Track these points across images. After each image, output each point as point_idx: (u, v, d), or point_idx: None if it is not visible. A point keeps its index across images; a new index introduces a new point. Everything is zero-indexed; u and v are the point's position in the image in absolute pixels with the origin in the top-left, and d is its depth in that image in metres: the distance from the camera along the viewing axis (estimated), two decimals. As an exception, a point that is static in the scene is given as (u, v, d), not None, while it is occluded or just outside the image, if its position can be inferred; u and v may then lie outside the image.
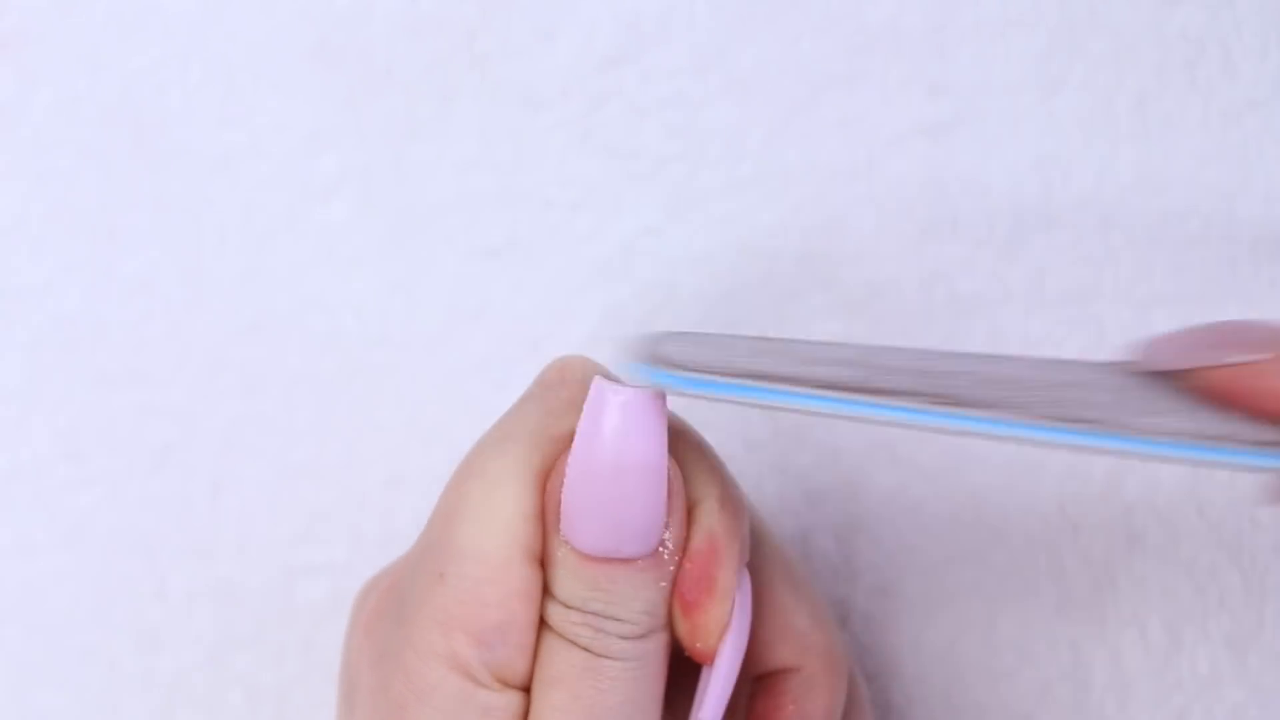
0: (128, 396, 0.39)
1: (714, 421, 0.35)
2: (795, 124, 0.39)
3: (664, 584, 0.28)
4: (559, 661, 0.28)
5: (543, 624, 0.28)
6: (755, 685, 0.31)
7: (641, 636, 0.28)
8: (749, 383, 0.27)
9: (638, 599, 0.28)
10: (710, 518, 0.29)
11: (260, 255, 0.39)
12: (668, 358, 0.27)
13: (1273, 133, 0.38)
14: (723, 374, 0.27)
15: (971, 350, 0.28)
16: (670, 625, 0.29)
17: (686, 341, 0.28)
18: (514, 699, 0.28)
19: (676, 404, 0.29)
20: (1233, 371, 0.27)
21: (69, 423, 0.40)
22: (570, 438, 0.28)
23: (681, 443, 0.30)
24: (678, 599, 0.29)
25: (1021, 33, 0.38)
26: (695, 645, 0.29)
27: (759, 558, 0.31)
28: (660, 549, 0.28)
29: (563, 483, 0.28)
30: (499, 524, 0.28)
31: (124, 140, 0.40)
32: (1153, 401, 0.28)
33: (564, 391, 0.29)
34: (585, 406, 0.28)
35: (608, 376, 0.29)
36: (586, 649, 0.28)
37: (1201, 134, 0.38)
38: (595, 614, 0.28)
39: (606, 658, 0.28)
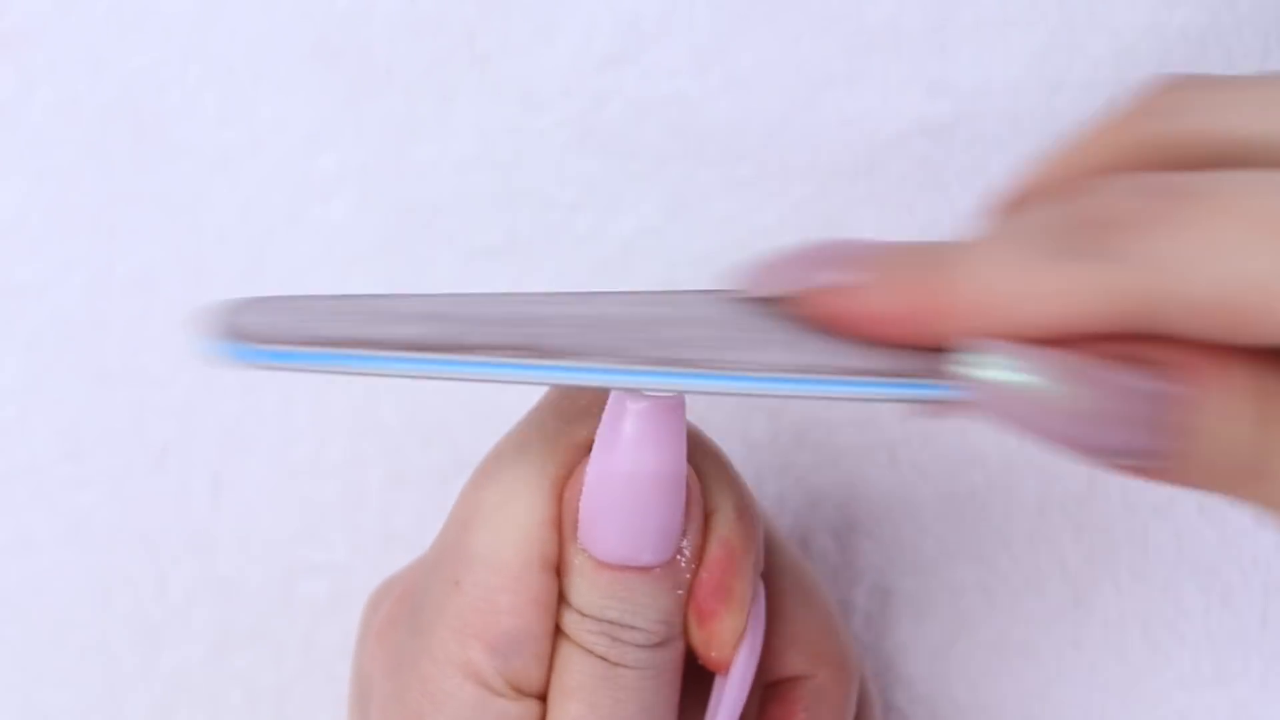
0: (127, 395, 0.39)
1: (714, 422, 0.35)
2: (795, 124, 0.39)
3: (681, 592, 0.28)
4: (575, 670, 0.28)
5: (559, 633, 0.28)
6: (766, 692, 0.31)
7: (658, 645, 0.28)
8: (330, 350, 0.25)
9: (654, 607, 0.28)
10: (726, 526, 0.29)
11: (260, 255, 0.39)
12: (244, 330, 0.25)
13: (1273, 133, 0.38)
14: (302, 343, 0.25)
15: (578, 290, 0.27)
16: (685, 634, 0.29)
17: (264, 309, 0.26)
18: (530, 708, 0.28)
19: (694, 410, 0.28)
20: (834, 295, 0.25)
21: (69, 421, 0.40)
22: (587, 445, 0.28)
23: (698, 451, 0.29)
24: (693, 608, 0.29)
25: (1021, 32, 0.38)
26: (710, 654, 0.29)
27: (772, 566, 0.31)
28: (678, 557, 0.28)
29: (581, 490, 0.28)
30: (515, 532, 0.28)
31: (124, 140, 0.40)
32: (758, 333, 0.26)
33: (581, 399, 0.29)
34: (604, 414, 0.28)
35: None
36: (603, 658, 0.28)
37: (1202, 134, 0.38)
38: (612, 622, 0.28)
39: (623, 666, 0.28)
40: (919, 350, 0.25)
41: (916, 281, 0.24)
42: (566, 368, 0.26)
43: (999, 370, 0.23)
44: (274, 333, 0.25)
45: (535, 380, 0.26)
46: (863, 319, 0.25)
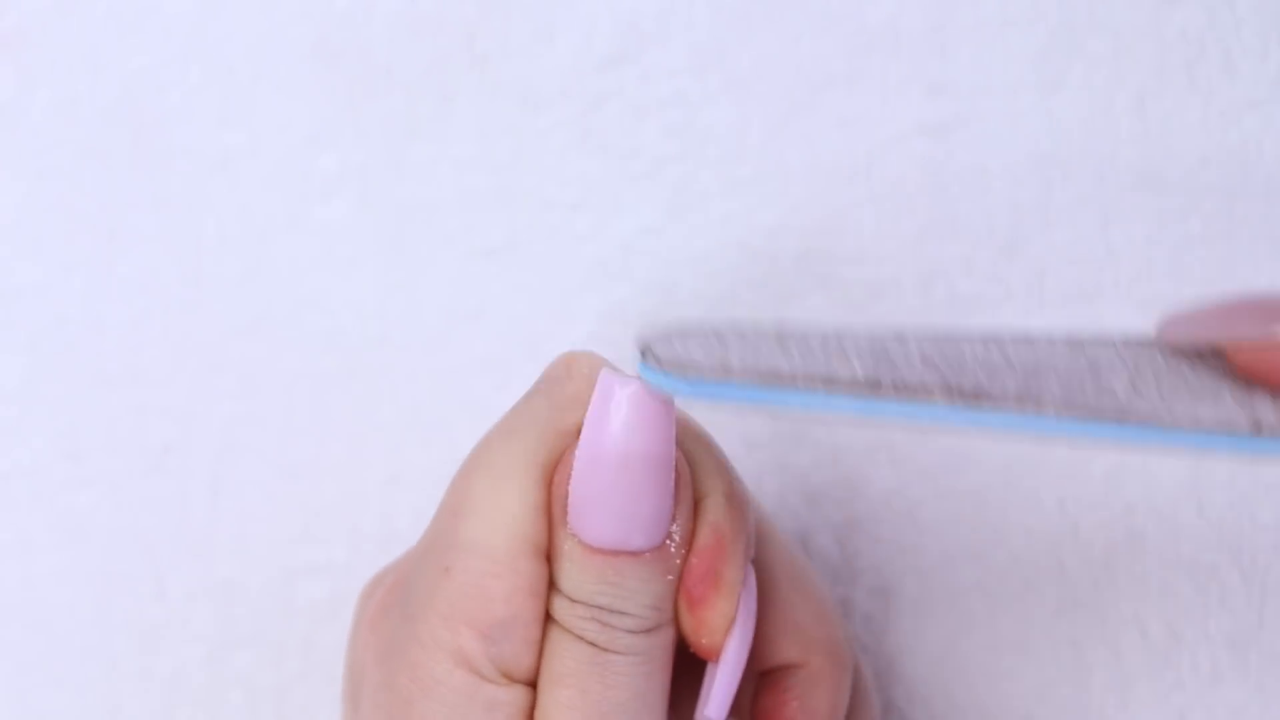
0: (127, 396, 0.39)
1: (713, 420, 0.35)
2: (795, 124, 0.39)
3: (671, 578, 0.28)
4: (565, 656, 0.28)
5: (549, 619, 0.28)
6: (759, 681, 0.31)
7: (648, 631, 0.28)
8: (760, 385, 0.25)
9: (645, 593, 0.28)
10: (716, 512, 0.29)
11: (260, 255, 0.39)
12: (679, 360, 0.26)
13: (1273, 133, 0.38)
14: (733, 376, 0.25)
15: (977, 329, 0.25)
16: (676, 621, 0.29)
17: (697, 339, 0.26)
18: (520, 694, 0.28)
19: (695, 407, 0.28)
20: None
21: (68, 423, 0.40)
22: (576, 432, 0.28)
23: (688, 437, 0.30)
24: (683, 594, 0.29)
25: (1021, 32, 0.38)
26: (701, 641, 0.29)
27: (763, 553, 0.31)
28: (667, 542, 0.28)
29: (570, 476, 0.28)
30: (505, 518, 0.28)
31: (124, 140, 0.40)
32: (1185, 385, 0.25)
33: (570, 386, 0.29)
34: (593, 399, 0.28)
35: (614, 370, 0.29)
36: (593, 644, 0.28)
37: (1201, 134, 0.38)
38: (602, 608, 0.28)
39: (613, 653, 0.28)
40: None
41: None
42: (998, 414, 0.25)
43: None
44: (709, 364, 0.25)
45: (966, 424, 0.25)
46: None
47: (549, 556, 0.28)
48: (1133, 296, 0.38)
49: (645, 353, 0.26)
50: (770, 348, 0.26)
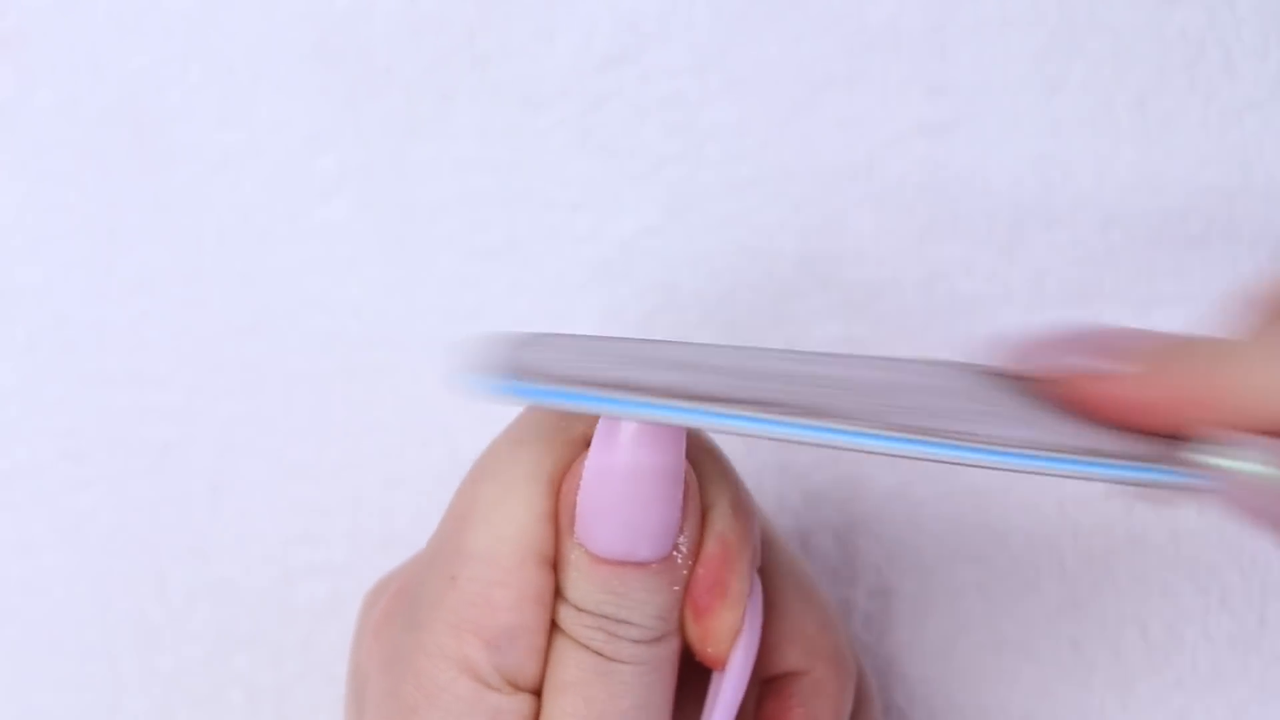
0: (127, 396, 0.39)
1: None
2: (795, 124, 0.39)
3: (677, 588, 0.28)
4: (571, 665, 0.28)
5: (555, 628, 0.28)
6: (763, 688, 0.31)
7: (654, 641, 0.28)
8: (614, 394, 0.26)
9: (651, 603, 0.28)
10: (723, 522, 0.29)
11: (260, 255, 0.39)
12: (526, 366, 0.26)
13: (1273, 133, 0.38)
14: (585, 384, 0.26)
15: (816, 351, 0.27)
16: (682, 630, 0.29)
17: (542, 347, 0.27)
18: (525, 702, 0.28)
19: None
20: (1096, 380, 0.27)
21: (69, 423, 0.40)
22: (584, 441, 0.28)
23: (694, 447, 0.29)
24: (690, 603, 0.29)
25: (1021, 33, 0.38)
26: (706, 650, 0.29)
27: (768, 562, 0.31)
28: (674, 552, 0.28)
29: (577, 485, 0.28)
30: (511, 527, 0.28)
31: (124, 140, 0.40)
32: (1015, 409, 0.27)
33: None
34: None
35: None
36: (598, 653, 0.28)
37: (1201, 134, 0.38)
38: (608, 617, 0.28)
39: (618, 662, 0.28)
40: (1149, 435, 0.26)
41: (1184, 375, 0.26)
42: (812, 426, 0.26)
43: (1251, 464, 0.25)
44: (558, 372, 0.26)
45: (806, 439, 0.26)
46: (1121, 404, 0.26)
47: (555, 566, 0.28)
48: (1133, 296, 0.38)
49: (503, 360, 0.26)
50: (628, 359, 0.27)
